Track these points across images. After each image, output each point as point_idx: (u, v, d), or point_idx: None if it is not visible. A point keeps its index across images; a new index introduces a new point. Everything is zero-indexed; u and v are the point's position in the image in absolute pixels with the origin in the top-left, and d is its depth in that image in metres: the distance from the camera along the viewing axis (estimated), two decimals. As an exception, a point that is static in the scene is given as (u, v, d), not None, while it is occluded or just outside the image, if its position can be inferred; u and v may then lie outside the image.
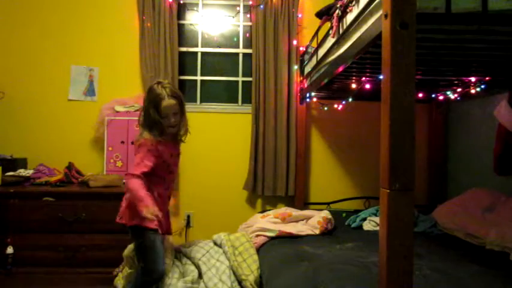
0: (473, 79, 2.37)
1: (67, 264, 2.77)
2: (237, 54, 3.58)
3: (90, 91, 3.39)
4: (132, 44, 3.35)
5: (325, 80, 2.46)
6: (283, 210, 2.92)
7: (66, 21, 3.39)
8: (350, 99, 3.07)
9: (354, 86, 2.63)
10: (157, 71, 3.29)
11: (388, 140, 1.13)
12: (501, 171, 2.50)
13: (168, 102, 2.06)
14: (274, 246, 2.44)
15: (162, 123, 2.07)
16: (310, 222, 2.71)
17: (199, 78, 3.57)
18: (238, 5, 3.52)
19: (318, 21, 2.59)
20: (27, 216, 2.77)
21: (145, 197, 1.95)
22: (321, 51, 2.43)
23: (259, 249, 2.51)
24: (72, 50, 3.39)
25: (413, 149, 1.14)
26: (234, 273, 2.31)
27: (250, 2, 3.40)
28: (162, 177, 2.19)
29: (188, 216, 3.44)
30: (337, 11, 1.93)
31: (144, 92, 2.81)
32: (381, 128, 1.17)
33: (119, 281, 2.38)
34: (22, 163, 3.21)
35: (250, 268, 2.31)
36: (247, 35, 3.55)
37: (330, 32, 2.12)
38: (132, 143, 3.14)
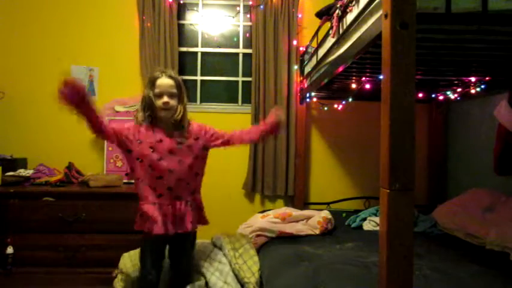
0: (473, 79, 2.37)
1: (67, 264, 2.76)
2: (237, 54, 3.58)
3: (90, 91, 3.39)
4: (132, 44, 3.35)
5: (325, 80, 2.46)
6: (283, 210, 2.92)
7: (66, 21, 3.39)
8: (350, 99, 3.07)
9: (354, 86, 2.63)
10: (157, 71, 3.28)
11: (388, 140, 1.13)
12: (501, 171, 2.50)
13: (164, 80, 1.95)
14: (274, 246, 2.44)
15: (153, 101, 1.93)
16: (310, 222, 2.71)
17: (199, 78, 3.57)
18: (238, 5, 3.52)
19: (318, 21, 2.59)
20: (27, 216, 2.77)
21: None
22: (321, 51, 2.43)
23: (259, 250, 2.52)
24: (72, 50, 3.39)
25: (413, 149, 1.14)
26: (236, 276, 2.30)
27: (250, 2, 3.40)
28: (145, 180, 1.95)
29: (188, 216, 3.44)
30: (337, 11, 1.93)
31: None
32: (381, 128, 1.17)
33: None
34: (22, 163, 3.21)
35: (251, 270, 2.31)
36: (247, 35, 3.55)
37: (330, 32, 2.12)
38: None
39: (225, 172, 3.44)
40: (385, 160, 1.15)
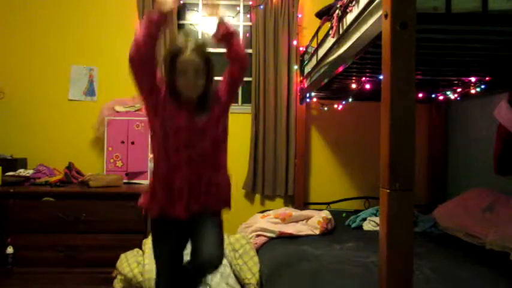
0: (473, 79, 2.37)
1: (67, 264, 2.76)
2: (237, 54, 3.58)
3: (90, 91, 3.39)
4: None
5: (325, 80, 2.46)
6: (283, 210, 2.92)
7: (66, 21, 3.38)
8: (350, 99, 3.07)
9: (354, 86, 2.63)
10: (157, 71, 3.28)
11: (388, 140, 1.13)
12: (501, 171, 2.50)
13: (188, 56, 1.65)
14: (274, 246, 2.44)
15: (174, 81, 1.65)
16: (310, 223, 2.71)
17: (199, 78, 3.57)
18: (238, 5, 3.52)
19: (318, 21, 2.60)
20: (27, 216, 2.77)
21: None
22: (321, 52, 2.43)
23: (259, 250, 2.52)
24: (72, 50, 3.39)
25: (413, 149, 1.14)
26: (236, 277, 2.30)
27: (250, 2, 3.40)
28: (162, 144, 1.68)
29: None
30: (337, 11, 1.93)
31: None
32: (381, 128, 1.17)
33: None
34: (22, 163, 3.20)
35: (252, 271, 2.31)
36: (247, 35, 3.55)
37: (330, 32, 2.13)
38: (133, 143, 3.15)
39: (225, 172, 3.44)
40: (385, 160, 1.15)
